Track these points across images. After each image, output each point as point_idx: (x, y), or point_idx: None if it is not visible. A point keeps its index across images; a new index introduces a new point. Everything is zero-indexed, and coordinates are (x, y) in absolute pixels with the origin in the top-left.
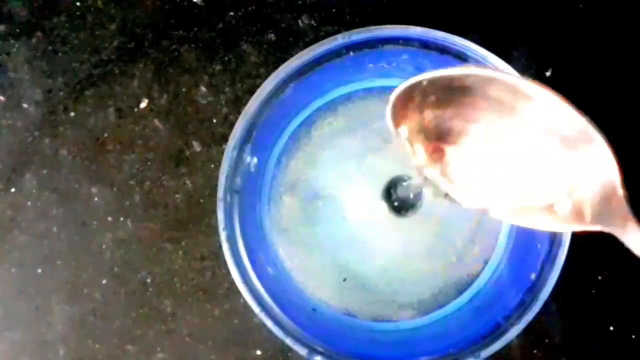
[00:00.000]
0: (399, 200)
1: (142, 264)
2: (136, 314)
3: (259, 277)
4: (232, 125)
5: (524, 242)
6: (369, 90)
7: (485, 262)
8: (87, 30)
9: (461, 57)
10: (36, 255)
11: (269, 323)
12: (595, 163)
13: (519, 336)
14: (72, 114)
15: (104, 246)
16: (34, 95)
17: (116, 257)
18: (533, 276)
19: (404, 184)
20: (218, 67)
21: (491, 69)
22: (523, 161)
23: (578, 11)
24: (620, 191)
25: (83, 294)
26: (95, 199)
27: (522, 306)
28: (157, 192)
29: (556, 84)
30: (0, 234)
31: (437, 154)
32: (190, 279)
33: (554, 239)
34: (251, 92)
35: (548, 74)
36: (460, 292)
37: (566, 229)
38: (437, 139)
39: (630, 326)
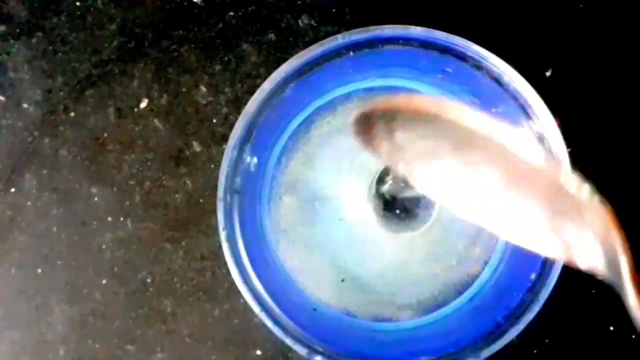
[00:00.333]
0: (390, 195)
1: (142, 264)
2: (136, 314)
3: (259, 277)
4: (232, 125)
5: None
6: (369, 90)
7: (486, 263)
8: (87, 30)
9: (461, 58)
10: (36, 255)
11: (269, 323)
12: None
13: (519, 336)
14: (72, 114)
15: (104, 246)
16: (34, 95)
17: (116, 257)
18: (533, 276)
19: (389, 178)
20: (218, 67)
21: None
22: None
23: (578, 11)
24: None
25: (83, 294)
26: (95, 199)
27: (522, 306)
28: (157, 192)
29: (556, 84)
30: (0, 234)
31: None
32: (190, 279)
33: None
34: (251, 92)
35: (548, 74)
36: (460, 292)
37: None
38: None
39: (630, 326)
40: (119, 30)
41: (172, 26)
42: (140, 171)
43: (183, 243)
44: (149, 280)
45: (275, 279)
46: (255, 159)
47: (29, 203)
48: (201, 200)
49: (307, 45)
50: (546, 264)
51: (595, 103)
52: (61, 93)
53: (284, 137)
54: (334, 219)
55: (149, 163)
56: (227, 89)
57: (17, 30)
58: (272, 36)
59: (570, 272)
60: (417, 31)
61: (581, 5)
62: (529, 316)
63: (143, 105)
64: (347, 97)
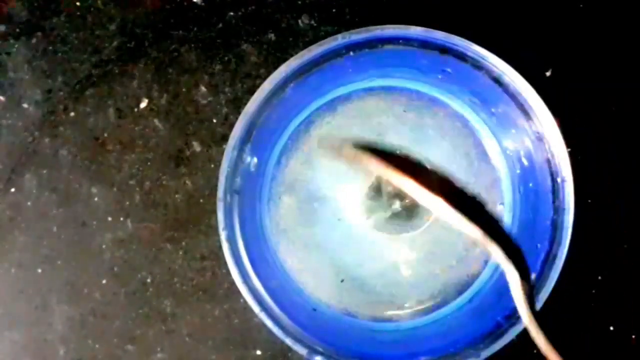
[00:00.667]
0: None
1: (142, 264)
2: (136, 314)
3: (259, 277)
4: (232, 125)
5: (524, 242)
6: (368, 90)
7: (486, 263)
8: (87, 30)
9: (461, 58)
10: (36, 255)
11: (269, 323)
12: None
13: (519, 336)
14: (72, 114)
15: (104, 246)
16: (34, 95)
17: (116, 257)
18: (533, 276)
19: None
20: (218, 67)
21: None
22: None
23: (578, 11)
24: None
25: (83, 294)
26: (95, 199)
27: None
28: (157, 192)
29: (556, 84)
30: (0, 234)
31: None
32: (190, 279)
33: (554, 239)
34: (251, 92)
35: (548, 74)
36: (460, 292)
37: None
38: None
39: (630, 326)
40: (119, 30)
41: (172, 26)
42: (140, 171)
43: (183, 243)
44: (149, 280)
45: (275, 279)
46: (255, 159)
47: (29, 203)
48: (201, 200)
49: (307, 45)
50: (546, 264)
51: (595, 103)
52: (61, 93)
53: (284, 137)
54: (334, 219)
55: (149, 163)
56: (227, 89)
57: (17, 30)
58: (272, 36)
59: (570, 272)
60: (417, 31)
61: (581, 5)
62: None
63: (143, 105)
64: (347, 97)
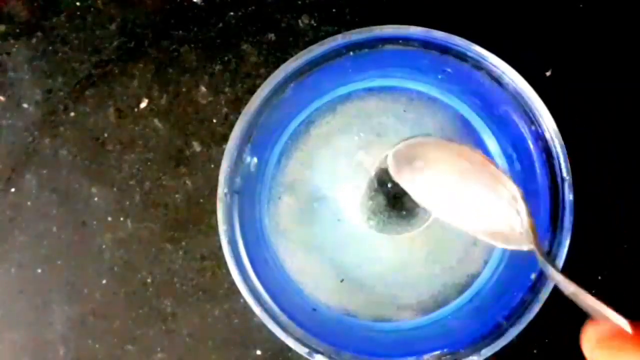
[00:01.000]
0: (389, 195)
1: (142, 264)
2: (136, 314)
3: (259, 277)
4: (232, 125)
5: None
6: (368, 90)
7: (486, 263)
8: (87, 30)
9: (461, 58)
10: (36, 255)
11: (269, 323)
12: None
13: (519, 336)
14: (72, 114)
15: (104, 246)
16: (34, 95)
17: (116, 257)
18: (533, 276)
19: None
20: (218, 67)
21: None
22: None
23: (578, 11)
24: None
25: (83, 294)
26: (95, 199)
27: (522, 306)
28: (157, 192)
29: (556, 84)
30: (0, 234)
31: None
32: (190, 279)
33: (554, 239)
34: (251, 92)
35: (548, 74)
36: (460, 292)
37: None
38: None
39: None
40: (119, 30)
41: (172, 26)
42: (140, 171)
43: (183, 243)
44: (149, 280)
45: (275, 279)
46: (255, 159)
47: (29, 203)
48: (201, 200)
49: (307, 45)
50: None
51: (595, 103)
52: (61, 93)
53: (284, 137)
54: (333, 219)
55: (149, 163)
56: (227, 89)
57: (17, 30)
58: (272, 36)
59: (570, 272)
60: (417, 31)
61: (581, 5)
62: (529, 316)
63: (143, 105)
64: (347, 97)
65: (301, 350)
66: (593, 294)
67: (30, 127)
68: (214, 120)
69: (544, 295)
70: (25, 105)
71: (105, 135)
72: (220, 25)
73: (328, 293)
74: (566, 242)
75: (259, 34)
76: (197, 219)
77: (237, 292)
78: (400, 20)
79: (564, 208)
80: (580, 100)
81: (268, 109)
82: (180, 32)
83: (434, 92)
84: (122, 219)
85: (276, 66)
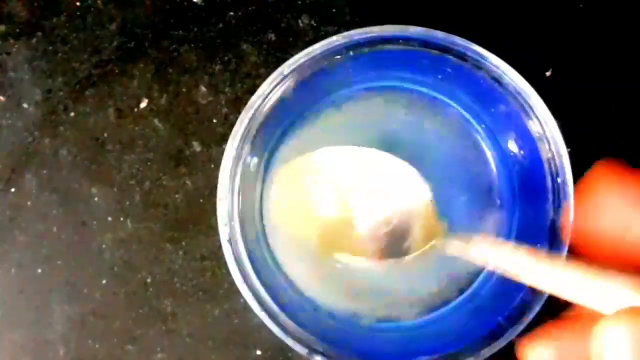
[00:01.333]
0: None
1: (142, 264)
2: (136, 314)
3: (259, 277)
4: (232, 125)
5: (524, 241)
6: (368, 90)
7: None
8: (87, 30)
9: (461, 58)
10: (36, 255)
11: (269, 323)
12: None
13: (518, 336)
14: (72, 114)
15: (104, 246)
16: (34, 95)
17: (116, 257)
18: None
19: None
20: (218, 67)
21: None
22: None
23: (578, 11)
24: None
25: (83, 294)
26: (95, 199)
27: (523, 306)
28: (157, 192)
29: (556, 84)
30: (0, 234)
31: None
32: (190, 279)
33: (553, 239)
34: (251, 92)
35: (548, 74)
36: (460, 291)
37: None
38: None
39: None
40: (119, 30)
41: (172, 26)
42: (140, 171)
43: (183, 243)
44: (149, 280)
45: (275, 279)
46: (255, 159)
47: (29, 203)
48: (201, 200)
49: (307, 45)
50: None
51: (595, 103)
52: (61, 93)
53: (284, 137)
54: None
55: (149, 163)
56: (227, 89)
57: (17, 30)
58: (272, 36)
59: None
60: (417, 31)
61: (581, 5)
62: (529, 316)
63: (143, 105)
64: (347, 97)
65: (301, 350)
66: None
67: (30, 127)
68: (214, 120)
69: (544, 295)
70: (25, 105)
71: (105, 135)
72: (220, 25)
73: (328, 293)
74: (566, 242)
75: (259, 34)
76: (197, 219)
77: (237, 292)
78: (400, 20)
79: (564, 208)
80: (580, 100)
81: (268, 109)
82: (180, 32)
83: (434, 93)
84: (122, 219)
85: (276, 66)
